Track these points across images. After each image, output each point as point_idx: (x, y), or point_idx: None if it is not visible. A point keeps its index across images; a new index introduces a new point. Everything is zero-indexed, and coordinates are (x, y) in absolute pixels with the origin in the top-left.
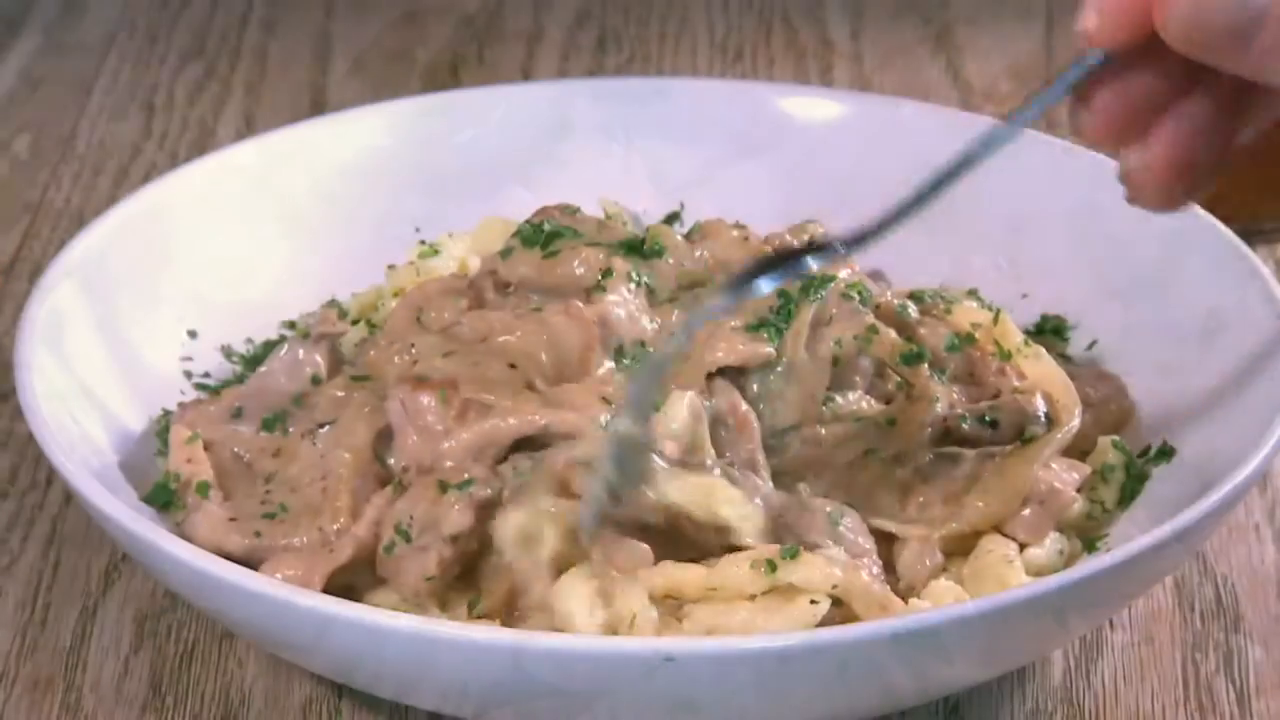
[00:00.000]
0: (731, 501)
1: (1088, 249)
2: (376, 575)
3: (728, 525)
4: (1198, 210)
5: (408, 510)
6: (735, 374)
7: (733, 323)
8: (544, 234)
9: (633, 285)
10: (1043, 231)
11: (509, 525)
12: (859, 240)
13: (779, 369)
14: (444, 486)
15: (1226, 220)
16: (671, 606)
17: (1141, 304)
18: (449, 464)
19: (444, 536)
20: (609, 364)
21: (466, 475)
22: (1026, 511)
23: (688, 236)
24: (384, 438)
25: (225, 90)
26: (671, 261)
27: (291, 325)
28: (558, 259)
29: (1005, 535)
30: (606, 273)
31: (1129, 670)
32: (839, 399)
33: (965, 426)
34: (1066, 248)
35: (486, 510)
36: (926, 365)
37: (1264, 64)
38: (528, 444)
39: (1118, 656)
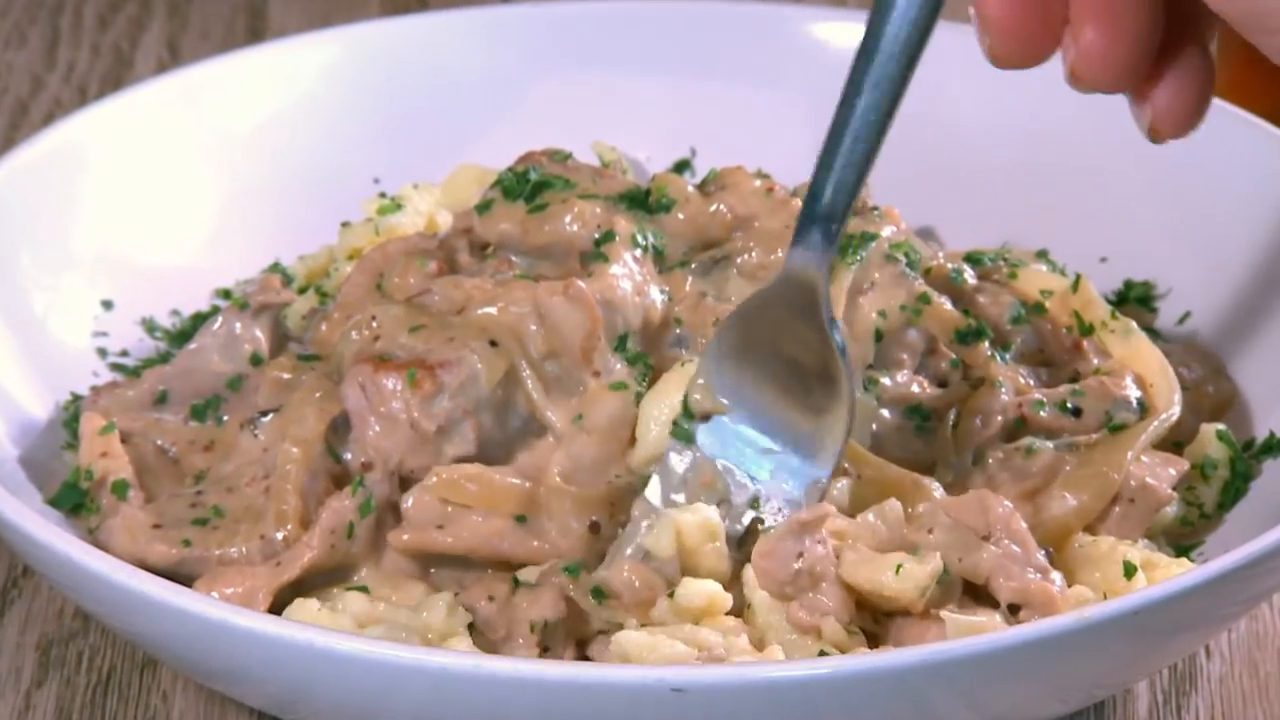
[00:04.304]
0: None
1: (1178, 202)
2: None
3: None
4: None
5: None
6: None
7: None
8: (529, 184)
9: (638, 251)
10: (1124, 180)
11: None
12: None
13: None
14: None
15: None
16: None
17: (1243, 268)
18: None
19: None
20: (610, 357)
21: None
22: (1115, 511)
23: (701, 187)
24: (339, 428)
25: (144, 12)
26: (682, 217)
27: (226, 294)
28: (546, 214)
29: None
30: (607, 235)
31: (1229, 705)
32: (884, 380)
33: (1043, 414)
34: (1153, 201)
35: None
36: (987, 343)
37: None
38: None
39: (1214, 689)
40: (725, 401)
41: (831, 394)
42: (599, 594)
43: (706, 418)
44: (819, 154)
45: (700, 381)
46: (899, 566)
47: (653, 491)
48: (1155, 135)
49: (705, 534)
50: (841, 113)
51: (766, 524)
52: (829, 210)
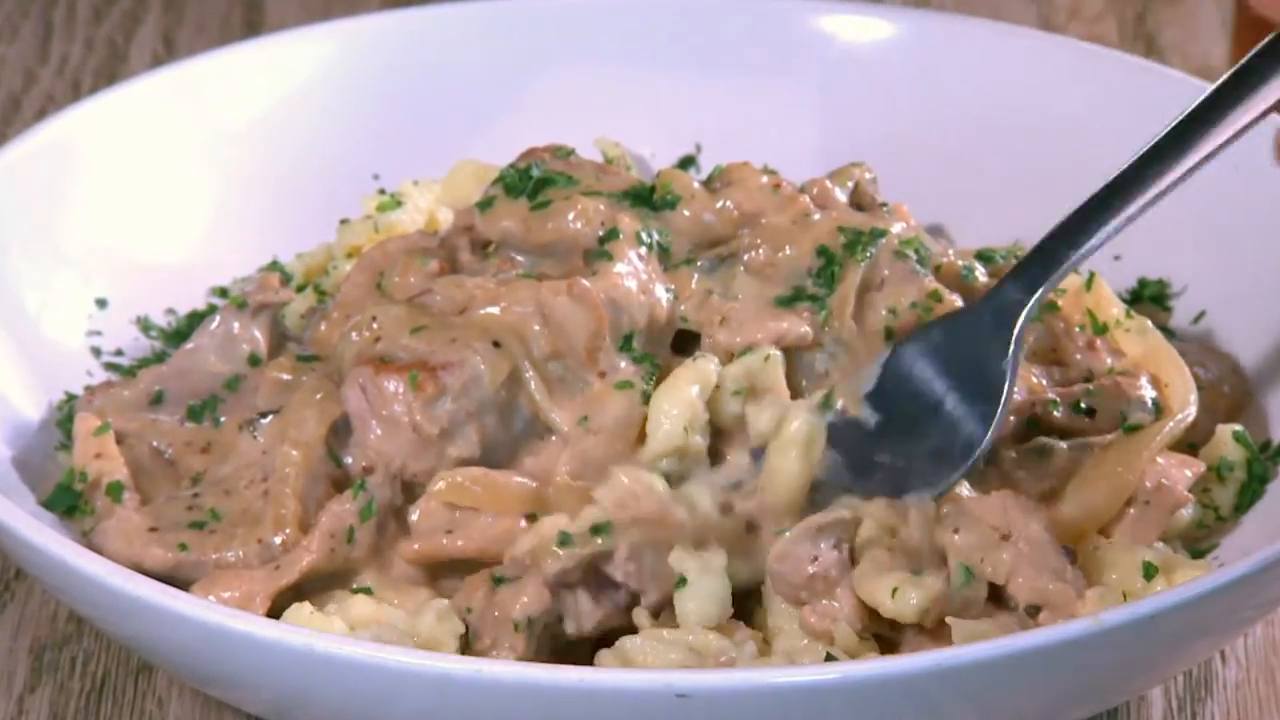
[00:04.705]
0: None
1: (1194, 199)
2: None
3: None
4: None
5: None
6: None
7: (772, 290)
8: (531, 181)
9: (643, 249)
10: None
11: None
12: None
13: (823, 345)
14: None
15: None
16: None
17: (1259, 266)
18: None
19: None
20: (615, 357)
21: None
22: (1130, 513)
23: (706, 184)
24: (339, 430)
25: (139, 5)
26: (688, 214)
27: (223, 293)
28: (549, 212)
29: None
30: (611, 233)
31: (1245, 712)
32: None
33: (1057, 414)
34: (1167, 197)
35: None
36: None
37: None
38: None
39: (1230, 696)
40: (865, 406)
41: (973, 431)
42: None
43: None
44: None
45: (857, 379)
46: (895, 590)
47: None
48: None
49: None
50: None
51: None
52: (1064, 254)
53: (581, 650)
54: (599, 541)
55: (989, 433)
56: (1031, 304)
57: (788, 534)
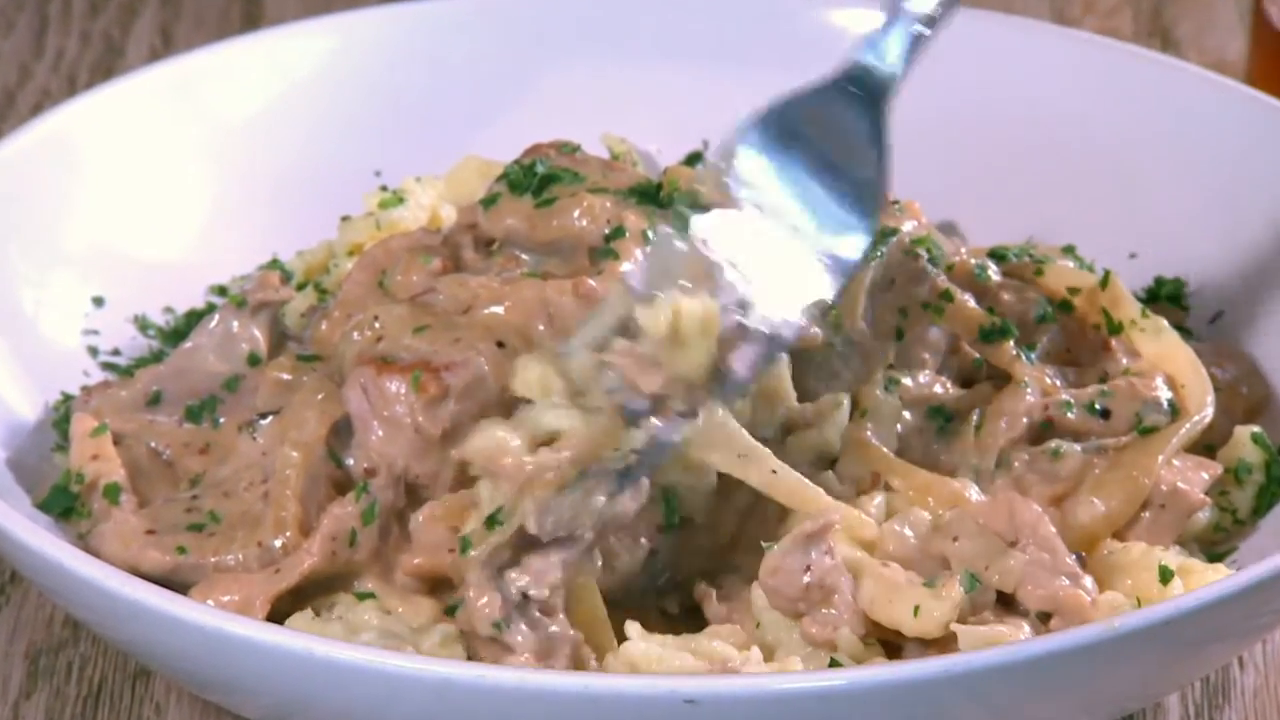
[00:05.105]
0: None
1: (1211, 196)
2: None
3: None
4: None
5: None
6: None
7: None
8: (536, 178)
9: (649, 247)
10: (1155, 174)
11: None
12: None
13: (834, 346)
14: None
15: None
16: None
17: (1278, 265)
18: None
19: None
20: None
21: None
22: (1145, 516)
23: None
24: (341, 432)
25: None
26: None
27: (222, 291)
28: (554, 209)
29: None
30: (617, 231)
31: (1263, 719)
32: (906, 380)
33: (1070, 416)
34: (1185, 195)
35: None
36: (1012, 342)
37: None
38: None
39: (1248, 702)
40: (737, 193)
41: (856, 222)
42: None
43: (708, 208)
44: None
45: (713, 167)
46: (916, 609)
47: (632, 274)
48: None
49: (703, 327)
50: None
51: (750, 328)
52: (923, 12)
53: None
54: (497, 531)
55: (866, 245)
56: (896, 85)
57: (775, 548)
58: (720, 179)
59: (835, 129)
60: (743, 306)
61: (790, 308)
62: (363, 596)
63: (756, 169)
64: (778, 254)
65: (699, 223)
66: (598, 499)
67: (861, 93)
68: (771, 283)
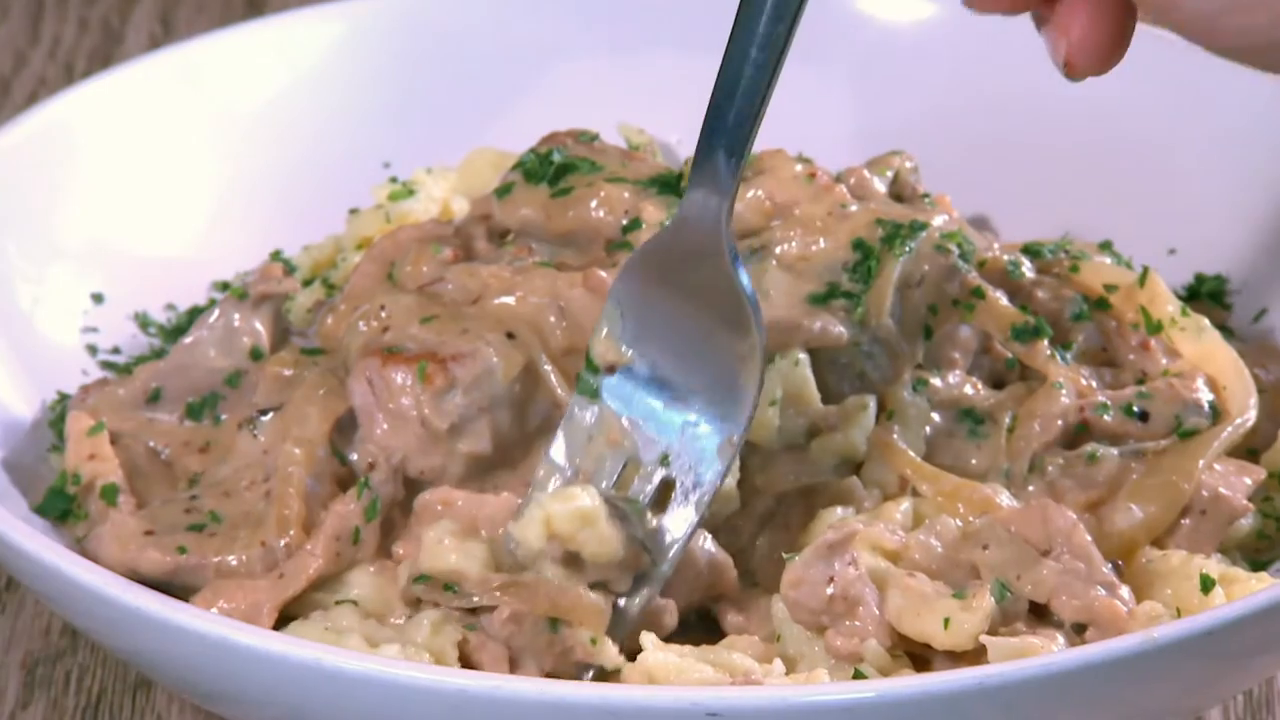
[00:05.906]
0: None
1: (1253, 191)
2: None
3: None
4: None
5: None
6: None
7: (805, 286)
8: (553, 167)
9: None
10: (1195, 167)
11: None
12: None
13: (859, 345)
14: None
15: None
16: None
17: None
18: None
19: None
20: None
21: None
22: (1185, 523)
23: None
24: (344, 428)
25: None
26: None
27: (224, 286)
28: (570, 199)
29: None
30: (634, 222)
31: None
32: (935, 381)
33: (1107, 419)
34: (1226, 189)
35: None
36: (1046, 341)
37: None
38: None
39: None
40: (630, 352)
41: (743, 344)
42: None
43: (612, 369)
44: (715, 80)
45: (605, 331)
46: (946, 621)
47: (557, 450)
48: (1070, 70)
49: (580, 521)
50: (739, 35)
51: (677, 483)
52: (731, 141)
53: None
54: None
55: (759, 360)
56: (729, 210)
57: (797, 559)
58: (618, 346)
59: (692, 276)
60: (664, 461)
61: (707, 451)
62: (341, 603)
63: (638, 323)
64: (682, 401)
65: (608, 391)
66: None
67: (700, 239)
68: (684, 430)
